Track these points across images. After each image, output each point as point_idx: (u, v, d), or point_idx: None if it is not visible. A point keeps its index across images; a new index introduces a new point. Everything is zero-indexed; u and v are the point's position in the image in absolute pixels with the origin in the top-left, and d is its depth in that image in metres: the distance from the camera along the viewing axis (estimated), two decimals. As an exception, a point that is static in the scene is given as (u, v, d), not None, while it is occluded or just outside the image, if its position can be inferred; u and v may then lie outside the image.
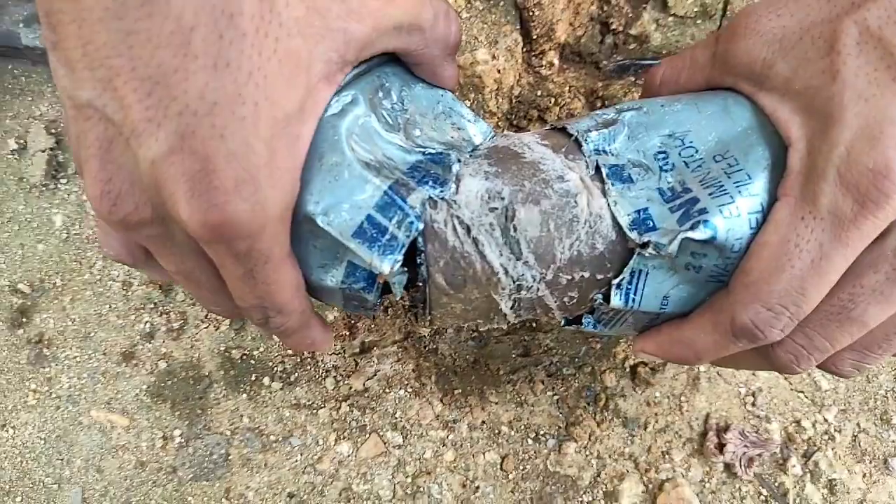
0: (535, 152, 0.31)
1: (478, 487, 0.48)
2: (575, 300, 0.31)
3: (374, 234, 0.26)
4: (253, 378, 0.51)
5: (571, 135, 0.31)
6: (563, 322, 0.33)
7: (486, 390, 0.51)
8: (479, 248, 0.29)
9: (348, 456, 0.49)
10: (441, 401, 0.51)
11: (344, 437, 0.50)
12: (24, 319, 0.52)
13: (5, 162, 0.55)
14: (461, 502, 0.48)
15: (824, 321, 0.28)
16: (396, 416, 0.50)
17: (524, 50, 0.47)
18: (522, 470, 0.49)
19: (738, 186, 0.27)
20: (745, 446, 0.48)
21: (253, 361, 0.51)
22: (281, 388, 0.51)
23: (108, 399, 0.51)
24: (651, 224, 0.28)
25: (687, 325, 0.31)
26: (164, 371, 0.51)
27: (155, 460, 0.50)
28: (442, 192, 0.28)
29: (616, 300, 0.30)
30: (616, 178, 0.29)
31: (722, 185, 0.27)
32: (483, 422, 0.50)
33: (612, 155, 0.30)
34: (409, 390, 0.51)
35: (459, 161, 0.30)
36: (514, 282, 0.29)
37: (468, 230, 0.28)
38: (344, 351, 0.51)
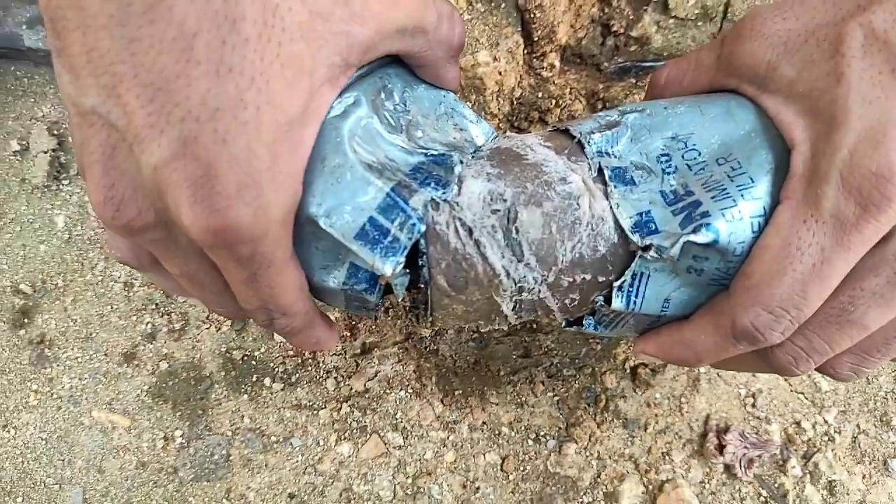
0: (537, 154, 0.31)
1: (478, 488, 0.49)
2: (576, 302, 0.31)
3: (377, 236, 0.26)
4: (254, 379, 0.51)
5: (574, 137, 0.31)
6: (563, 323, 0.34)
7: (487, 391, 0.51)
8: (481, 249, 0.29)
9: (349, 456, 0.49)
10: (442, 402, 0.51)
11: (345, 438, 0.50)
12: (25, 320, 0.52)
13: (7, 163, 0.55)
14: (461, 503, 0.48)
15: (824, 324, 0.28)
16: (397, 416, 0.50)
17: (525, 52, 0.47)
18: (523, 471, 0.49)
19: (740, 190, 0.27)
20: (745, 447, 0.49)
21: (254, 362, 0.52)
22: (282, 389, 0.51)
23: (109, 399, 0.51)
24: (653, 227, 0.28)
25: (688, 326, 0.31)
26: (165, 372, 0.51)
27: (156, 461, 0.50)
28: (444, 193, 0.28)
29: (617, 302, 0.30)
30: (619, 181, 0.29)
31: (724, 189, 0.27)
32: (483, 423, 0.50)
33: (615, 157, 0.30)
34: (410, 391, 0.51)
35: (462, 162, 0.30)
36: (515, 284, 0.30)
37: (470, 232, 0.28)
38: (345, 352, 0.51)
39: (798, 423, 0.50)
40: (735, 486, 0.49)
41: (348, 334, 0.51)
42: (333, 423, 0.50)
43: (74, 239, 0.54)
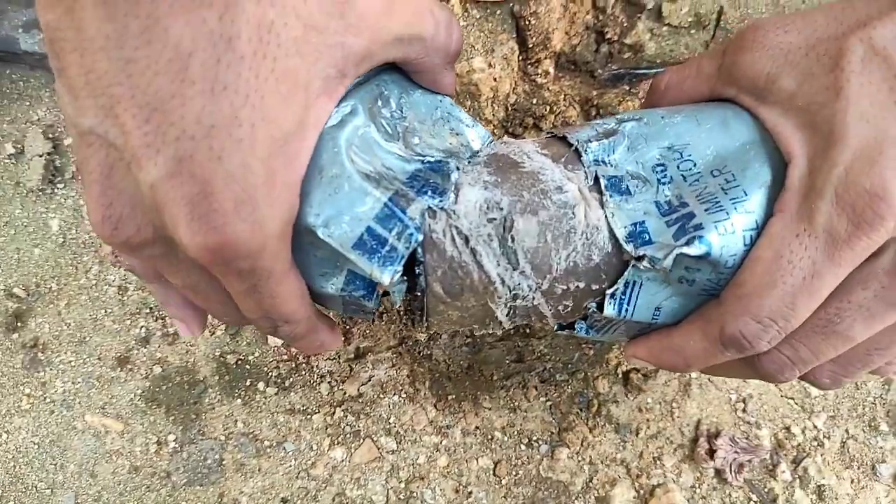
0: (534, 162, 0.31)
1: (471, 493, 0.49)
2: (569, 308, 0.31)
3: (374, 246, 0.27)
4: (248, 383, 0.51)
5: (571, 144, 0.31)
6: (556, 327, 0.34)
7: (480, 396, 0.51)
8: (477, 258, 0.29)
9: (342, 461, 0.50)
10: (435, 406, 0.51)
11: (338, 443, 0.50)
12: (19, 324, 0.52)
13: (2, 166, 0.55)
14: (455, 507, 0.48)
15: (810, 334, 0.28)
16: (390, 421, 0.51)
17: (520, 58, 0.47)
18: (515, 475, 0.49)
19: (733, 203, 0.27)
20: (736, 452, 0.49)
21: (248, 366, 0.52)
22: (275, 394, 0.51)
23: (102, 404, 0.51)
24: (647, 237, 0.28)
25: (677, 332, 0.32)
26: (158, 376, 0.51)
27: (149, 465, 0.50)
28: (441, 201, 0.28)
29: (609, 310, 0.31)
30: (614, 190, 0.29)
31: (718, 201, 0.28)
32: (476, 427, 0.51)
33: (612, 166, 0.30)
34: (403, 396, 0.51)
35: (458, 169, 0.30)
36: (510, 291, 0.30)
37: (466, 240, 0.29)
38: (339, 356, 0.52)
39: (788, 429, 0.51)
40: (725, 490, 0.49)
41: (342, 339, 0.51)
42: (327, 428, 0.50)
43: (69, 242, 0.54)
